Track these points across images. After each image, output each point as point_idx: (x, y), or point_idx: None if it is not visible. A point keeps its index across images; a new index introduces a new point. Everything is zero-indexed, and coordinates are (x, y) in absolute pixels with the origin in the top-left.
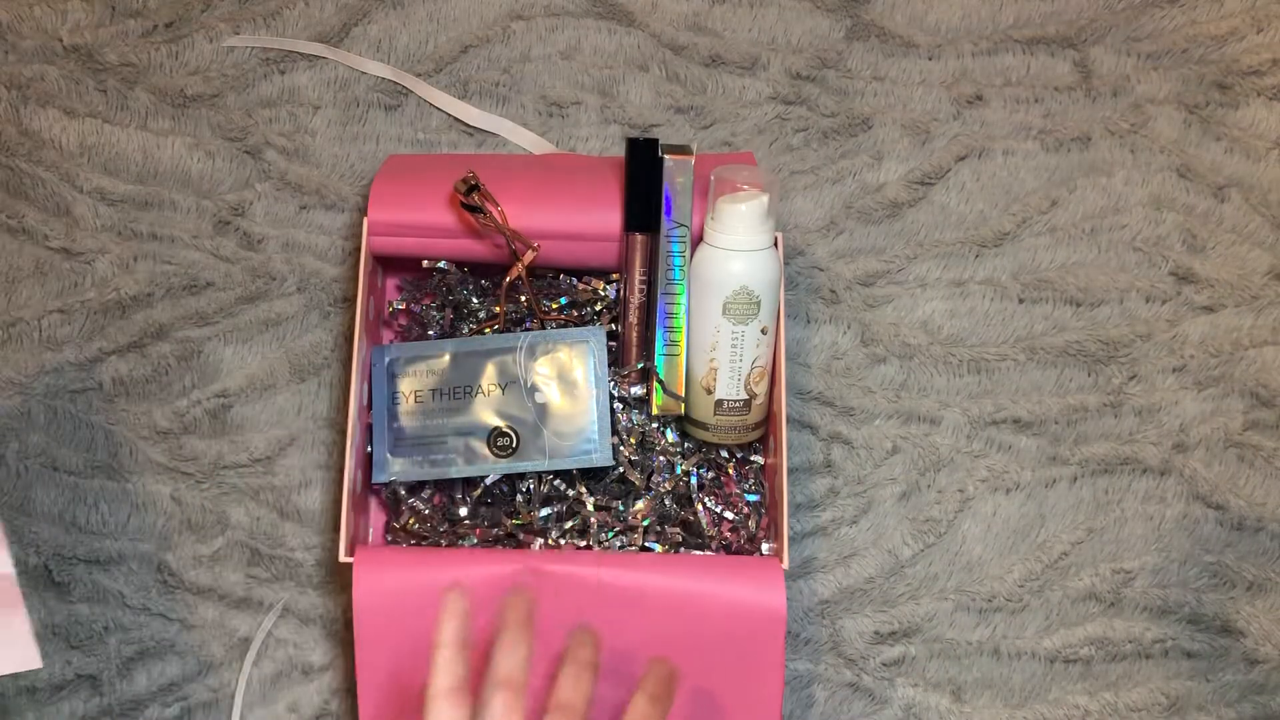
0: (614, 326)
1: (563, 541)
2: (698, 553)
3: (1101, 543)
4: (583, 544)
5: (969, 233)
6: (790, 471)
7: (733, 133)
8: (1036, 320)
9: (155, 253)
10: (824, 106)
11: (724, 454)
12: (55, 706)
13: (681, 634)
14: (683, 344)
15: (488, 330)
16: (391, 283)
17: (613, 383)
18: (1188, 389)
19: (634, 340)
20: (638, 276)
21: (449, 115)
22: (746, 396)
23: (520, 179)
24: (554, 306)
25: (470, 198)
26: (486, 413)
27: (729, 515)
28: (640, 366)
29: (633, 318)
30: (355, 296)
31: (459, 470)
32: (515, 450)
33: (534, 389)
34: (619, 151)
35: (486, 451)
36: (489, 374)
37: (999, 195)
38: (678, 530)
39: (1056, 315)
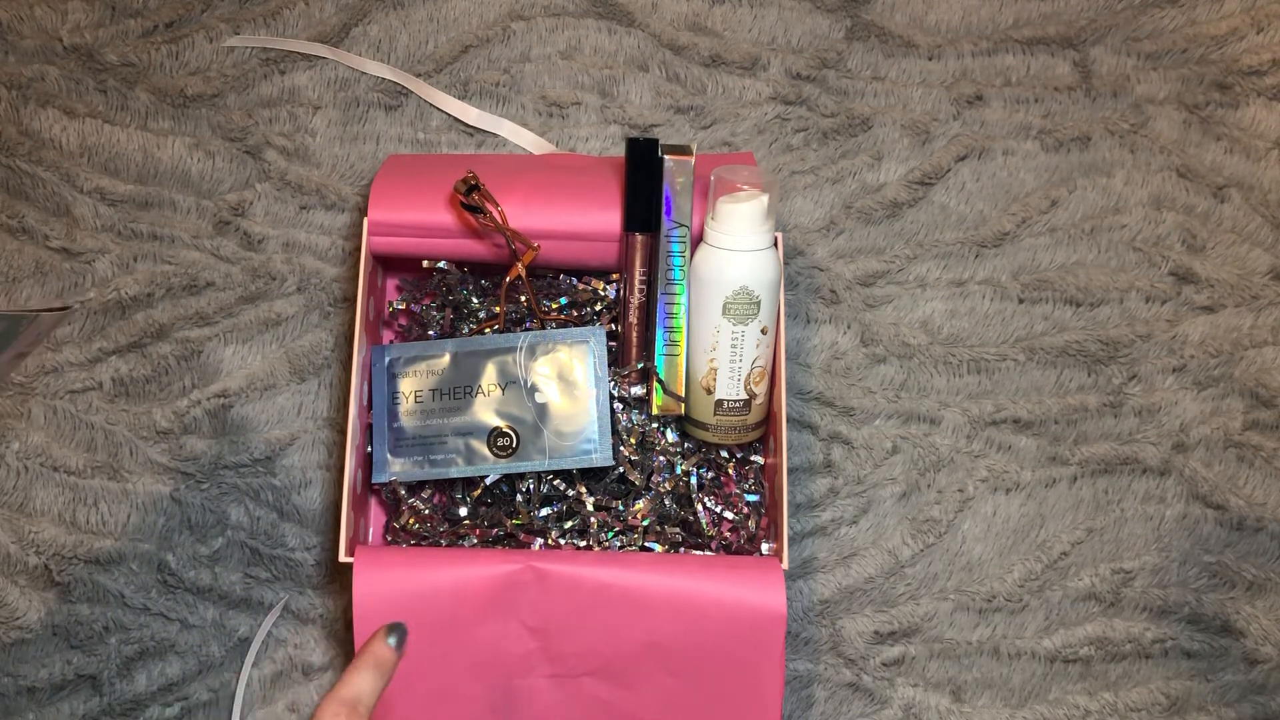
0: (614, 326)
1: (563, 541)
2: (698, 553)
3: (1101, 543)
4: (583, 544)
5: (969, 233)
6: (790, 471)
7: (733, 133)
8: (1036, 320)
9: (155, 253)
10: (824, 106)
11: (724, 454)
12: (55, 706)
13: (681, 634)
14: (683, 344)
15: (488, 330)
16: (391, 283)
17: (613, 383)
18: (1188, 389)
19: (634, 340)
20: (638, 276)
21: (449, 115)
22: (746, 396)
23: (520, 179)
24: (554, 306)
25: (470, 198)
26: (486, 413)
27: (729, 515)
28: (640, 366)
29: (633, 318)
30: (355, 296)
31: (459, 470)
32: (515, 450)
33: (534, 389)
34: (619, 151)
35: (486, 451)
36: (489, 374)
37: (999, 195)
38: (678, 530)
39: (1056, 315)
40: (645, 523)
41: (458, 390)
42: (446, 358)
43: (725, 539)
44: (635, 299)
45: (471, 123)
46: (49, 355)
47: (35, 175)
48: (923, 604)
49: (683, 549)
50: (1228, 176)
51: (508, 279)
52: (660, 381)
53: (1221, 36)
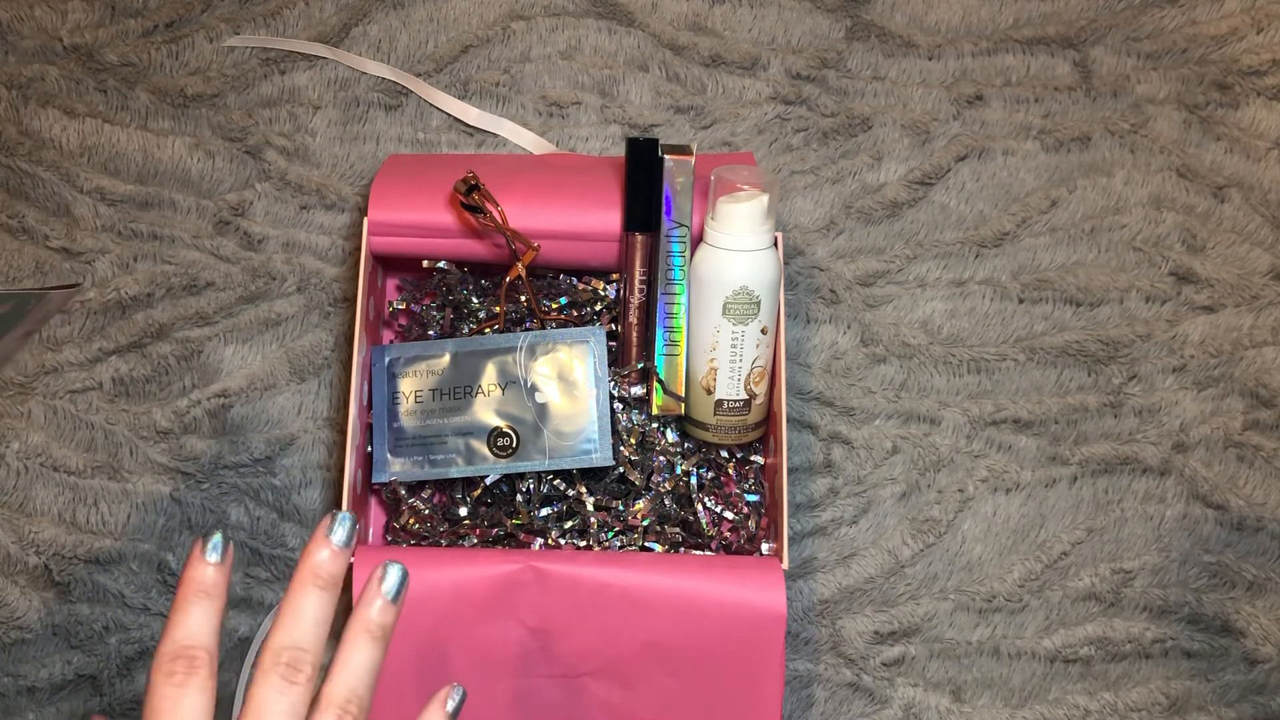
0: (614, 326)
1: (563, 541)
2: (698, 553)
3: (1101, 543)
4: (583, 544)
5: (969, 233)
6: (790, 471)
7: (733, 133)
8: (1036, 320)
9: (155, 253)
10: (824, 106)
11: (724, 454)
12: (55, 706)
13: (681, 634)
14: (683, 344)
15: (488, 330)
16: (391, 283)
17: (613, 383)
18: (1188, 389)
19: (634, 340)
20: (638, 276)
21: (449, 115)
22: (746, 396)
23: (520, 179)
24: (554, 306)
25: (470, 198)
26: (486, 413)
27: (729, 515)
28: (640, 366)
29: (633, 318)
30: (355, 296)
31: (459, 470)
32: (515, 450)
33: (534, 389)
34: (619, 151)
35: (486, 451)
36: (489, 374)
37: (999, 195)
38: (678, 530)
39: (1056, 315)
40: (645, 523)
41: (458, 390)
42: (446, 358)
43: (725, 539)
44: (635, 299)
45: (471, 123)
46: (49, 355)
47: (35, 175)
48: (923, 604)
49: (683, 549)
50: (1228, 176)
51: (508, 279)
52: (660, 381)
53: (1221, 36)
